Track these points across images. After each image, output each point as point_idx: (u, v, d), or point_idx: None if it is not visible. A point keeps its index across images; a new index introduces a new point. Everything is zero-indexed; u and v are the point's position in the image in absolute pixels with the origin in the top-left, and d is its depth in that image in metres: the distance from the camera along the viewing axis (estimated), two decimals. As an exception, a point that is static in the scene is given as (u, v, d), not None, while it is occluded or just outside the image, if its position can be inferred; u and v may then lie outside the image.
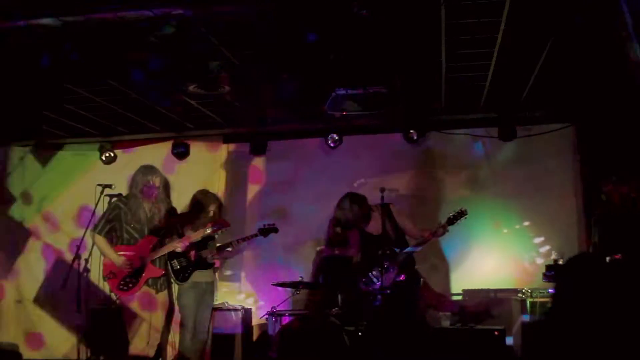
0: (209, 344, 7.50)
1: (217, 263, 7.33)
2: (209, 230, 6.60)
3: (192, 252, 6.90)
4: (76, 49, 5.95)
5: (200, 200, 7.33)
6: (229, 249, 7.30)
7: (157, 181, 6.31)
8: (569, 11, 5.39)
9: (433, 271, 8.35)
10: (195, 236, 6.56)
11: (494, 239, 8.52)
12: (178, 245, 6.36)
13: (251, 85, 7.25)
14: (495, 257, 8.50)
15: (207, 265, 7.13)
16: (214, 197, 7.45)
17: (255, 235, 7.44)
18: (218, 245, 7.28)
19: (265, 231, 7.46)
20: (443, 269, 8.46)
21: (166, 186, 6.46)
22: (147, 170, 6.40)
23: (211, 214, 7.25)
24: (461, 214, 6.69)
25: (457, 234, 7.36)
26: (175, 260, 6.85)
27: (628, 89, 5.76)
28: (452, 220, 6.67)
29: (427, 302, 7.74)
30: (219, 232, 6.90)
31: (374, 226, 6.78)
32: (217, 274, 7.59)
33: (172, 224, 6.50)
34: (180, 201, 7.52)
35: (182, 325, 7.14)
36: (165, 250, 6.32)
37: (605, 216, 6.50)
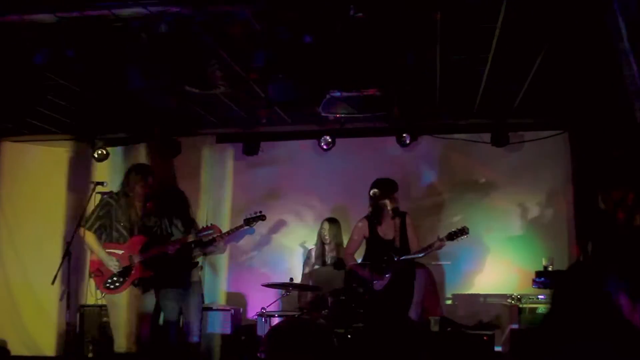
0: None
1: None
2: (200, 235, 6.61)
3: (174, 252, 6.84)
4: (71, 46, 5.93)
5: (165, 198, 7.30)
6: (214, 244, 7.24)
7: (149, 180, 6.27)
8: (564, 19, 5.41)
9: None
10: (185, 240, 6.54)
11: (485, 244, 8.54)
12: (169, 248, 6.32)
13: (245, 86, 7.24)
14: (485, 262, 8.52)
15: (190, 266, 7.07)
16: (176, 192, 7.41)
17: (241, 226, 7.39)
18: (203, 241, 7.20)
19: (251, 220, 7.37)
20: (437, 273, 8.46)
21: (158, 186, 6.42)
22: (141, 168, 6.36)
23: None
24: (462, 232, 6.71)
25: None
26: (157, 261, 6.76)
27: (621, 96, 5.78)
28: (452, 236, 6.71)
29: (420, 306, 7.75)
30: (210, 237, 6.87)
31: (384, 230, 6.82)
32: (201, 273, 7.52)
33: (162, 224, 6.46)
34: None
35: (165, 325, 7.11)
36: (155, 251, 6.28)
37: (601, 224, 6.52)
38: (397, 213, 6.90)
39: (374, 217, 6.87)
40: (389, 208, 6.89)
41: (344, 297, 6.83)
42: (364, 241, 7.17)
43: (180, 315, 7.11)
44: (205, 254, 7.41)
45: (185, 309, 7.10)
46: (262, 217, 7.40)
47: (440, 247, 6.83)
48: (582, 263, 6.26)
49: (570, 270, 3.21)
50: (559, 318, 2.42)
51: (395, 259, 6.75)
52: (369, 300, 6.60)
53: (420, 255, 6.84)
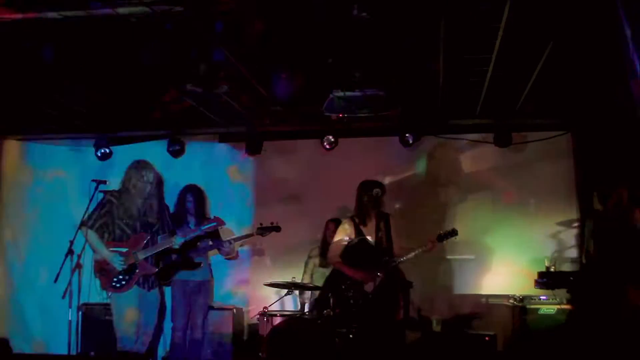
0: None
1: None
2: (203, 228, 6.52)
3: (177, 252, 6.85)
4: (74, 44, 5.93)
5: (180, 193, 7.31)
6: (224, 248, 7.27)
7: (150, 176, 6.20)
8: (568, 18, 5.41)
9: (429, 276, 8.36)
10: (190, 234, 6.48)
11: (487, 245, 8.54)
12: (174, 243, 6.27)
13: (248, 85, 7.24)
14: (488, 263, 8.52)
15: (192, 265, 7.06)
16: (190, 187, 7.41)
17: (252, 234, 7.39)
18: (210, 244, 7.23)
19: (264, 230, 7.36)
20: (438, 274, 8.45)
21: (159, 182, 6.36)
22: (141, 164, 6.30)
23: (190, 203, 7.18)
24: (451, 233, 6.63)
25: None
26: (160, 260, 6.76)
27: (625, 96, 5.79)
28: (441, 238, 6.62)
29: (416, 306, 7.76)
30: (213, 229, 6.81)
31: (369, 231, 6.78)
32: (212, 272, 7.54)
33: (164, 220, 6.43)
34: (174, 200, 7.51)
35: (172, 323, 7.13)
36: (159, 247, 6.24)
37: (600, 225, 6.53)
38: (382, 215, 6.84)
39: (360, 218, 6.81)
40: (377, 209, 6.83)
41: (331, 298, 6.78)
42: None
43: (189, 313, 7.14)
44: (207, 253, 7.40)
45: (192, 306, 7.12)
46: (276, 229, 7.37)
47: (431, 249, 6.76)
48: (591, 262, 6.30)
49: (581, 270, 3.23)
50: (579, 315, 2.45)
51: (386, 259, 6.67)
52: (361, 302, 6.55)
53: (410, 256, 6.76)
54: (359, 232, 6.75)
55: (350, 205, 8.49)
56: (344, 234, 6.83)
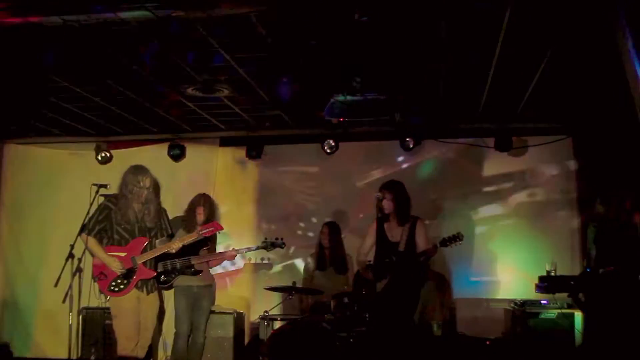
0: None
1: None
2: (202, 233, 6.52)
3: (177, 257, 6.86)
4: (75, 48, 5.94)
5: (191, 202, 7.31)
6: (219, 257, 7.27)
7: (146, 181, 6.22)
8: (569, 23, 5.41)
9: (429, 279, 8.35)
10: (188, 239, 6.48)
11: (489, 249, 8.53)
12: (172, 247, 6.28)
13: (249, 89, 7.25)
14: (489, 267, 8.52)
15: (192, 271, 7.05)
16: (202, 199, 7.38)
17: (257, 248, 7.38)
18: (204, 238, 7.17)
19: (268, 245, 7.32)
20: (440, 277, 8.44)
21: (156, 187, 6.38)
22: (137, 170, 6.31)
23: (201, 216, 7.19)
24: (456, 238, 6.56)
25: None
26: (160, 264, 6.76)
27: (625, 101, 5.81)
28: (445, 242, 6.57)
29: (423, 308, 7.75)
30: (211, 233, 6.80)
31: (392, 233, 6.82)
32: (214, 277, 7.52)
33: (162, 225, 6.44)
34: (176, 204, 7.51)
35: (175, 329, 7.13)
36: (157, 252, 6.25)
37: (603, 229, 6.54)
38: (406, 218, 6.84)
39: (381, 220, 6.85)
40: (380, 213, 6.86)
41: (347, 300, 6.80)
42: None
43: (192, 318, 7.13)
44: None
45: (194, 311, 7.12)
46: (281, 245, 7.34)
47: (433, 254, 6.75)
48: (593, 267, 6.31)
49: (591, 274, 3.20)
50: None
51: (386, 261, 6.67)
52: (371, 301, 6.59)
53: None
54: (380, 233, 6.77)
55: (350, 210, 8.59)
56: (368, 234, 6.92)
